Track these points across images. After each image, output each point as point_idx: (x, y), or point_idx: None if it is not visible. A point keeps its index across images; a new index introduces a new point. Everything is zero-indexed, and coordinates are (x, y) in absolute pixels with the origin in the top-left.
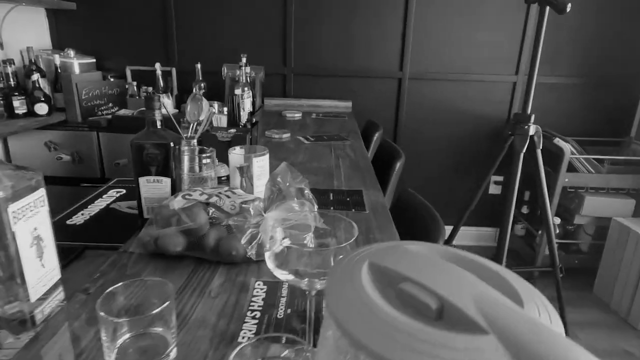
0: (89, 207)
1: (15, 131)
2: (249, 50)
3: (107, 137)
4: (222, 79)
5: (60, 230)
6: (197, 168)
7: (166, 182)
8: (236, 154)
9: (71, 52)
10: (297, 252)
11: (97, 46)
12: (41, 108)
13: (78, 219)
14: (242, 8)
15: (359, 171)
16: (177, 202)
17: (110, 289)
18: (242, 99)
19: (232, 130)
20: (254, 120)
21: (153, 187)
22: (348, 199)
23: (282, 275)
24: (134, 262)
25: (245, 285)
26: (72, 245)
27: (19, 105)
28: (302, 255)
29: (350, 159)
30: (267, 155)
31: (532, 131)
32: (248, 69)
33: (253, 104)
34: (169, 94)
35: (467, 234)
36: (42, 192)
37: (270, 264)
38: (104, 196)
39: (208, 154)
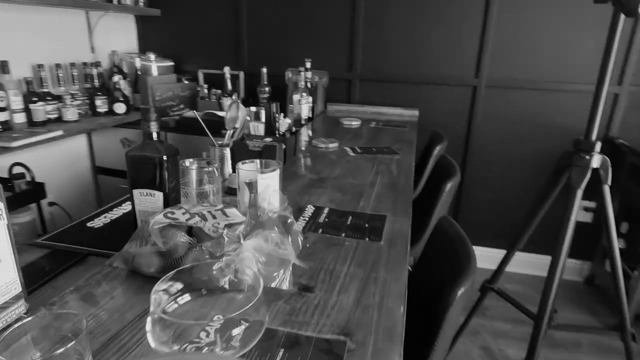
0: (114, 210)
1: (95, 128)
2: (315, 55)
3: (174, 137)
4: (286, 83)
5: (77, 232)
6: (202, 182)
7: (158, 195)
8: (244, 169)
9: (152, 56)
10: (169, 323)
11: (176, 50)
12: (119, 107)
13: (99, 222)
14: (310, 14)
15: (394, 192)
16: (156, 221)
17: (18, 324)
18: (299, 104)
19: (268, 139)
20: (294, 128)
21: (146, 200)
22: (366, 225)
23: (159, 345)
24: (112, 278)
25: None
26: (76, 249)
27: (100, 104)
28: (176, 326)
29: (391, 177)
30: (277, 172)
31: (595, 163)
32: (309, 74)
33: (312, 109)
34: (233, 97)
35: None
36: None
37: (147, 325)
38: None
39: (208, 167)
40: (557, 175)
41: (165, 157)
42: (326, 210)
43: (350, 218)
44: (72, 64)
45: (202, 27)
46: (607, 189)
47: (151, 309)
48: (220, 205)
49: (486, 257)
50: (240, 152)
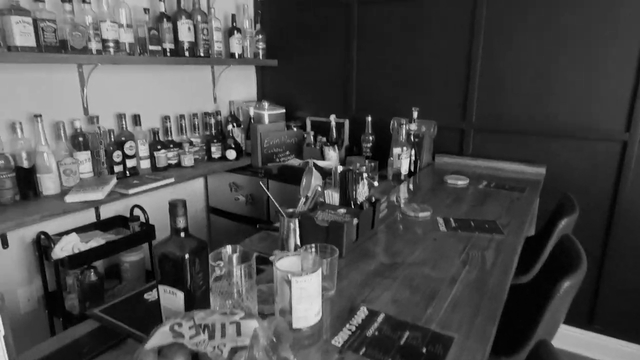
0: None
1: (207, 173)
2: (424, 102)
3: (275, 184)
4: (390, 133)
5: (131, 304)
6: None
7: (180, 295)
8: (280, 269)
9: (265, 104)
10: None
11: (289, 98)
12: (230, 154)
13: (156, 293)
14: (422, 58)
15: (478, 295)
16: (159, 336)
17: None
18: (399, 158)
19: (342, 211)
20: (374, 198)
21: (169, 297)
22: (424, 350)
23: None
24: None
25: None
26: (118, 328)
27: (215, 150)
28: None
29: (482, 269)
30: (318, 274)
31: None
32: (414, 126)
33: (416, 162)
34: (336, 146)
35: None
36: None
37: None
38: None
39: (244, 263)
40: None
41: (187, 256)
42: (381, 318)
43: (406, 334)
44: (195, 114)
45: (315, 75)
46: None
47: None
48: (241, 314)
49: (631, 356)
50: (307, 225)
